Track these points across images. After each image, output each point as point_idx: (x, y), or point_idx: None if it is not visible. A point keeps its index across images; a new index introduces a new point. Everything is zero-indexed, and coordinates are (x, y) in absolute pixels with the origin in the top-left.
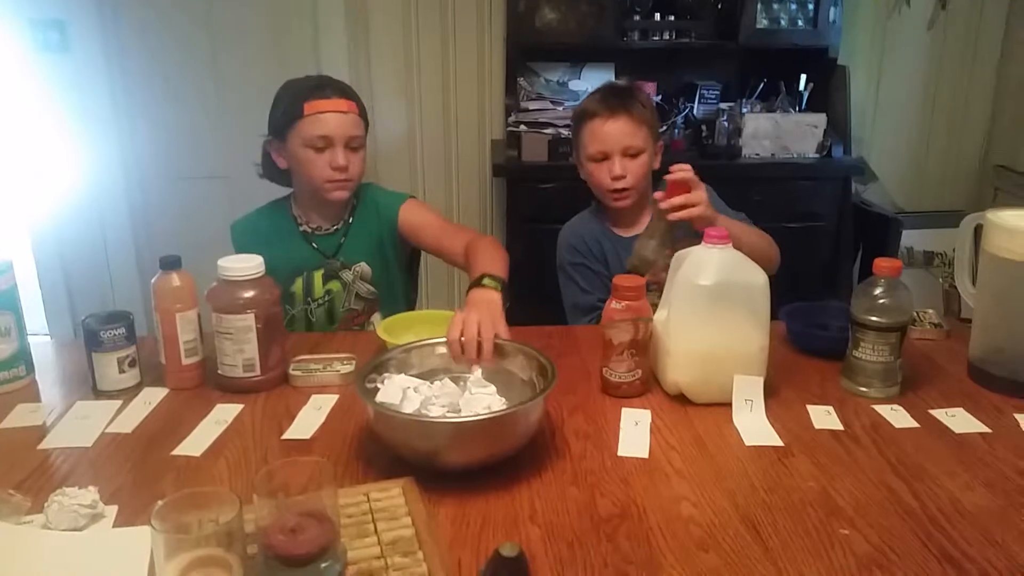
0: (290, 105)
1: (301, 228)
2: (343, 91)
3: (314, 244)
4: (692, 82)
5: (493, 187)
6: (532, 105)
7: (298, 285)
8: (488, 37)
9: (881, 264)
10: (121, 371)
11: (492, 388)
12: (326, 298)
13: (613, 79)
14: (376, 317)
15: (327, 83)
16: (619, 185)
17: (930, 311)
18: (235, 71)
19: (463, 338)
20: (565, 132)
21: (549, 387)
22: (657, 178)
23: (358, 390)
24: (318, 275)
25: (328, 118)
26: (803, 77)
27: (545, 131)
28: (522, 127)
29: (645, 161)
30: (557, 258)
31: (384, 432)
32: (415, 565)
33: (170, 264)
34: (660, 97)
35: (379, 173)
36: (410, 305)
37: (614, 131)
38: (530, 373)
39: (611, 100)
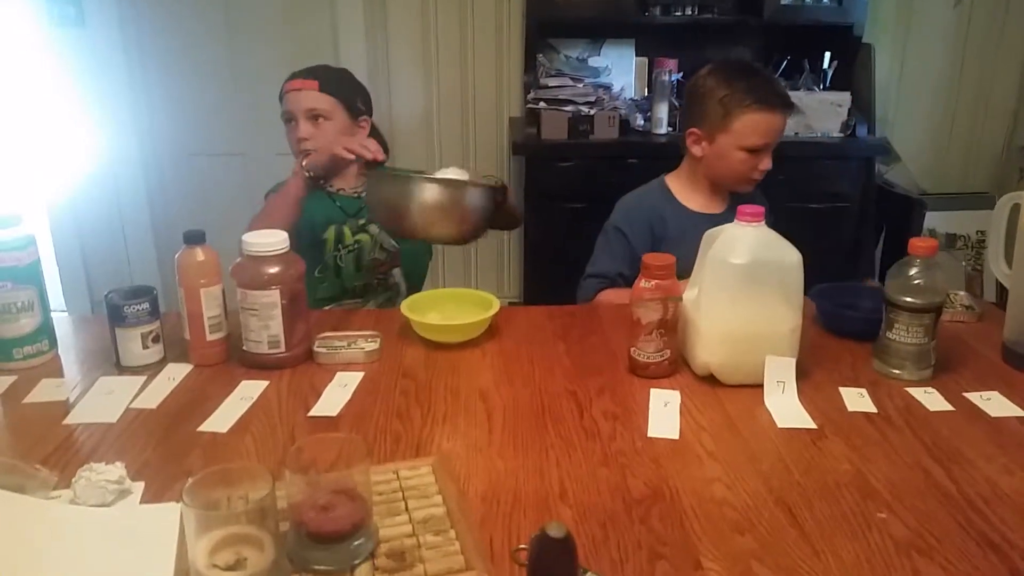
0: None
1: (327, 188)
2: (310, 72)
3: (337, 203)
4: (714, 59)
5: (511, 165)
6: (551, 82)
7: (330, 233)
8: (507, 12)
9: (917, 244)
10: (145, 347)
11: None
12: (355, 246)
13: (634, 56)
14: (397, 272)
15: (306, 69)
16: (760, 177)
17: (961, 293)
18: (251, 47)
19: None
20: (585, 109)
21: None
22: None
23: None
24: (347, 227)
25: (290, 96)
26: (827, 55)
27: (565, 108)
28: (541, 104)
29: None
30: (609, 218)
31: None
32: (448, 544)
33: (194, 239)
34: (681, 74)
35: (396, 151)
36: (426, 262)
37: (779, 125)
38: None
39: (782, 92)
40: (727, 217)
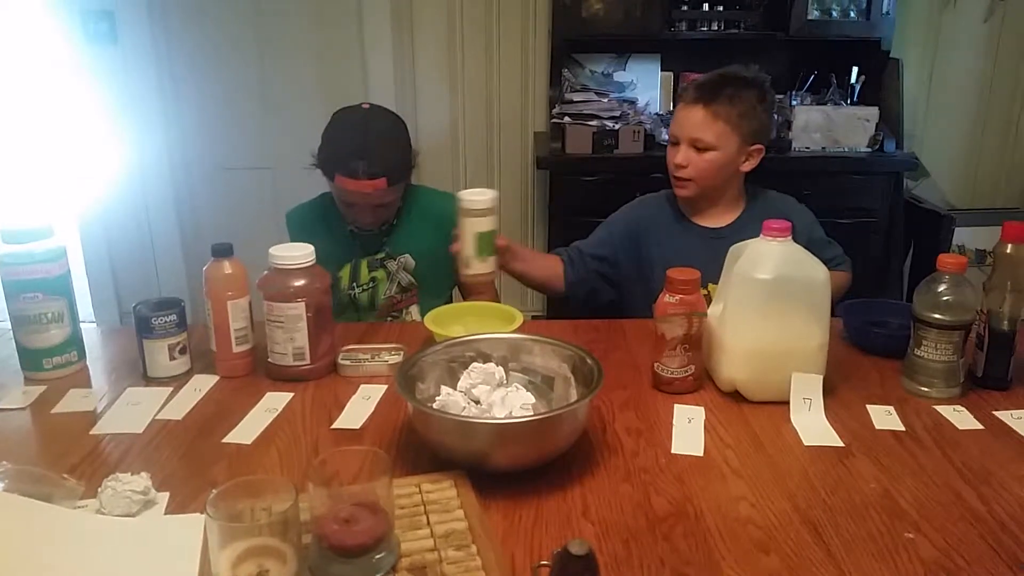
0: (326, 163)
1: (349, 227)
2: (371, 171)
3: (359, 242)
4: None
5: (535, 179)
6: (576, 97)
7: (345, 271)
8: (532, 27)
9: (946, 260)
10: (172, 358)
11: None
12: (370, 284)
13: (659, 71)
14: (414, 308)
15: (361, 155)
16: (678, 174)
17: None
18: (280, 64)
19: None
20: (610, 124)
21: (597, 387)
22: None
23: (401, 391)
24: (364, 263)
25: (354, 194)
26: (855, 69)
27: (590, 123)
28: (566, 119)
29: (713, 159)
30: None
31: (424, 431)
32: (469, 559)
33: (222, 251)
34: None
35: (421, 165)
36: (447, 298)
37: (686, 120)
38: (564, 369)
39: (702, 88)
40: (733, 231)
